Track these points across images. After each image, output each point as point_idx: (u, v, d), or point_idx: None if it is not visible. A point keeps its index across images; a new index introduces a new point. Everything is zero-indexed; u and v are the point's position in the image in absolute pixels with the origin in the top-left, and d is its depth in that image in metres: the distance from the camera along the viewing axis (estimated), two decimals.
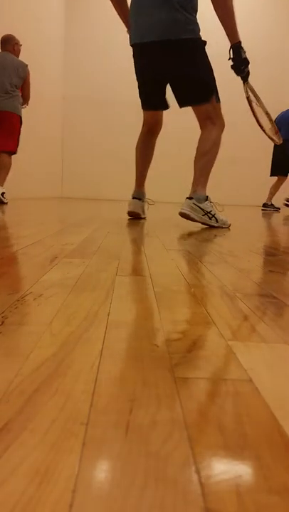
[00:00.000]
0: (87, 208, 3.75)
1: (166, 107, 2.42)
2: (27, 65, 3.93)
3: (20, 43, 3.97)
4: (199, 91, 2.26)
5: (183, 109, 2.34)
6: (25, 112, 5.18)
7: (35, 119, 5.55)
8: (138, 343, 0.46)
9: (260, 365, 0.41)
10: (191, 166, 2.24)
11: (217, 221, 2.09)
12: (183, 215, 2.08)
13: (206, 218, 2.07)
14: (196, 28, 2.17)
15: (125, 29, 2.37)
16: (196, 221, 2.07)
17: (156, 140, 2.54)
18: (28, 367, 0.38)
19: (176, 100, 2.32)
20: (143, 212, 2.46)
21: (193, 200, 2.08)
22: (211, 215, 2.08)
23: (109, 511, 0.22)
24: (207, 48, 2.24)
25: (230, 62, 2.28)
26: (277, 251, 1.32)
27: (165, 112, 2.48)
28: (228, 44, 2.24)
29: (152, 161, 2.48)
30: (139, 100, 2.41)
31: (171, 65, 2.20)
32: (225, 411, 0.32)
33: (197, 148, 2.28)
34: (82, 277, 0.78)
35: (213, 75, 2.29)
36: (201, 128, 2.31)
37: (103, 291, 0.69)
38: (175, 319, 0.55)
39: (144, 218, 2.46)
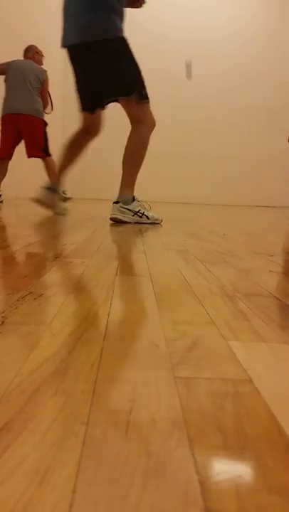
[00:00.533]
0: (87, 208, 3.75)
1: (95, 108, 2.42)
2: (46, 71, 3.97)
3: (42, 54, 4.03)
4: (118, 86, 2.26)
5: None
6: None
7: None
8: (138, 343, 0.46)
9: (260, 365, 0.41)
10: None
11: (148, 218, 2.20)
12: (114, 219, 2.19)
13: (136, 218, 2.18)
14: (112, 27, 2.16)
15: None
16: (128, 223, 2.16)
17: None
18: (28, 367, 0.38)
19: (100, 99, 2.34)
20: (54, 204, 2.56)
21: (120, 204, 2.20)
22: (140, 214, 2.19)
23: (109, 511, 0.22)
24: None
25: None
26: (277, 251, 1.32)
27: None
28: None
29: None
30: None
31: (91, 66, 2.25)
32: (225, 411, 0.32)
33: (125, 149, 2.33)
34: (83, 277, 0.78)
35: (136, 72, 2.26)
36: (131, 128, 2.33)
37: (103, 291, 0.69)
38: (175, 319, 0.55)
39: (59, 213, 2.57)
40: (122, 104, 2.30)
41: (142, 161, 2.32)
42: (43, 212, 2.60)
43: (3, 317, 0.53)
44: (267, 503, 0.23)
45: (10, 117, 3.76)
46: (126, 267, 0.91)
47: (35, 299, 0.62)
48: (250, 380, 0.37)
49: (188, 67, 3.43)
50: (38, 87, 3.88)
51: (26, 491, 0.23)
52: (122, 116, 2.32)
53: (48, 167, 3.88)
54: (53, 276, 0.79)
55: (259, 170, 7.12)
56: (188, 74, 3.25)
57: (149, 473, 0.24)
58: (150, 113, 2.27)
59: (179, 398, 0.34)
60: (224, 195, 7.12)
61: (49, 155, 3.90)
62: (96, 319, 0.54)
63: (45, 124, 3.98)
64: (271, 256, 1.18)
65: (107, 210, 2.37)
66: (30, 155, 3.92)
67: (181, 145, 6.92)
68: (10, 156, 3.88)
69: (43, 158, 3.95)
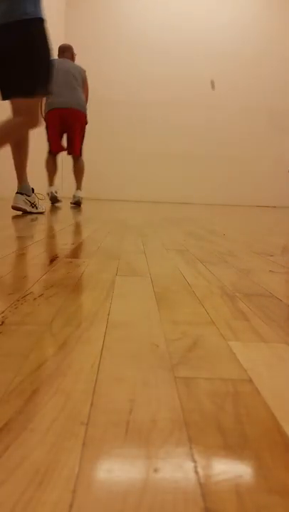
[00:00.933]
0: (87, 208, 3.75)
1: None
2: (85, 71, 4.04)
3: (76, 52, 4.08)
4: (27, 81, 2.10)
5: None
6: None
7: None
8: (138, 343, 0.46)
9: (260, 365, 0.41)
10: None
11: (37, 208, 2.48)
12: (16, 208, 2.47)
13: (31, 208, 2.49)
14: (31, 7, 2.00)
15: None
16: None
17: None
18: (28, 367, 0.38)
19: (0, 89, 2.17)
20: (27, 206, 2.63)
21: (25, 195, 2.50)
22: (34, 205, 2.50)
23: (109, 511, 0.22)
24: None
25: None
26: (277, 251, 1.32)
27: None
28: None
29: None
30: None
31: (3, 50, 2.06)
32: (225, 411, 0.32)
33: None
34: (83, 277, 0.79)
35: (48, 61, 2.11)
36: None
37: (103, 291, 0.69)
38: (175, 319, 0.55)
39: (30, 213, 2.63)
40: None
41: (22, 151, 2.52)
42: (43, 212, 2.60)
43: (3, 317, 0.53)
44: (267, 503, 0.23)
45: (57, 112, 3.81)
46: (126, 267, 0.91)
47: (35, 299, 0.62)
48: (250, 380, 0.37)
49: (212, 83, 3.79)
50: (81, 85, 3.95)
51: (26, 491, 0.23)
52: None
53: (80, 168, 3.94)
54: (53, 276, 0.79)
55: (259, 170, 7.12)
56: (213, 87, 3.52)
57: (149, 473, 0.24)
58: (37, 110, 2.21)
59: (179, 398, 0.34)
60: (224, 195, 7.12)
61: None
62: (96, 319, 0.54)
63: (86, 121, 4.02)
64: (271, 256, 1.18)
65: (107, 210, 2.38)
66: (72, 151, 3.94)
67: (181, 145, 6.92)
68: (60, 151, 3.95)
69: (78, 156, 3.99)
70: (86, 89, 4.06)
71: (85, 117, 4.01)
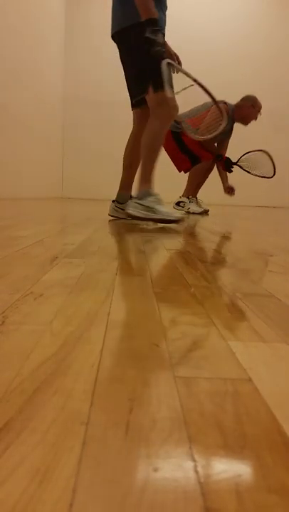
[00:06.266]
0: (87, 208, 3.75)
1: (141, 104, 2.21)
2: None
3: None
4: (139, 82, 2.15)
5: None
6: (26, 113, 5.19)
7: (35, 119, 5.55)
8: (138, 343, 0.46)
9: (260, 365, 0.41)
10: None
11: (162, 214, 2.04)
12: (127, 215, 2.09)
13: (146, 212, 2.03)
14: (134, 12, 1.99)
15: None
16: (140, 218, 2.05)
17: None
18: (28, 366, 0.38)
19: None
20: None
21: (135, 199, 2.08)
22: (151, 208, 2.03)
23: (109, 511, 0.22)
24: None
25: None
26: (277, 251, 1.32)
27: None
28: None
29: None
30: None
31: (123, 56, 2.19)
32: (225, 411, 0.32)
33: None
34: (83, 277, 0.79)
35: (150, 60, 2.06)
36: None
37: (103, 291, 0.69)
38: (175, 319, 0.55)
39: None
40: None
41: (155, 154, 2.14)
42: (43, 212, 2.60)
43: (3, 317, 0.53)
44: (266, 503, 0.23)
45: None
46: (126, 267, 0.91)
47: (35, 298, 0.62)
48: (250, 380, 0.37)
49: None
50: None
51: (26, 490, 0.23)
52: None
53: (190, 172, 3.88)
54: (53, 276, 0.79)
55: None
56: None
57: (149, 473, 0.25)
58: (166, 103, 2.08)
59: (179, 398, 0.34)
60: (224, 195, 7.12)
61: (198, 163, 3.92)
62: (96, 319, 0.54)
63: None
64: (271, 256, 1.18)
65: (107, 211, 2.37)
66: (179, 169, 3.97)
67: None
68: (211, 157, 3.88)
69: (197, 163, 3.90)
70: None
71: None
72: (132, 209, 2.06)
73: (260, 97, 4.06)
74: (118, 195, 2.39)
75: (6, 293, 0.65)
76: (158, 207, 2.03)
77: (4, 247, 1.13)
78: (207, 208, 3.93)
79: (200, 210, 3.81)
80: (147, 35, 1.96)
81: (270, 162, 3.75)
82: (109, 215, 2.38)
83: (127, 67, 2.26)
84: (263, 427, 0.30)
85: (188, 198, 3.95)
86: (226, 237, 1.70)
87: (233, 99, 4.07)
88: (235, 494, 0.23)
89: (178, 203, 4.01)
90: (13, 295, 0.64)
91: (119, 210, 2.32)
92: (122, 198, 2.35)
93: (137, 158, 2.27)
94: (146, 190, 2.07)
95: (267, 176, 3.71)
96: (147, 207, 2.04)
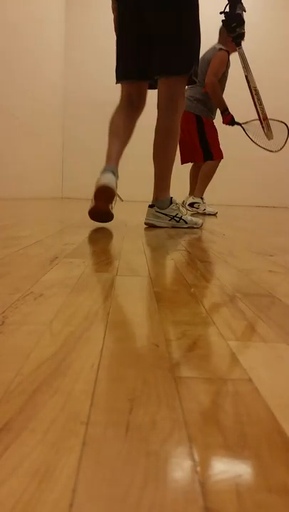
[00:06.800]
0: (88, 208, 3.75)
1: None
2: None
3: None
4: (182, 57, 1.74)
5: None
6: (26, 113, 5.19)
7: (35, 119, 5.55)
8: (138, 343, 0.46)
9: (260, 365, 0.41)
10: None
11: (186, 222, 1.99)
12: (149, 224, 1.99)
13: (173, 222, 1.97)
14: None
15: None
16: (164, 227, 1.98)
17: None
18: (28, 367, 0.38)
19: (153, 66, 1.84)
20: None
21: (155, 208, 1.99)
22: (178, 218, 1.98)
23: (109, 511, 0.22)
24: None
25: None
26: (277, 251, 1.32)
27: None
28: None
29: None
30: None
31: (162, 13, 1.75)
32: (225, 411, 0.32)
33: (154, 141, 1.95)
34: (83, 277, 0.79)
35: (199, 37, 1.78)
36: (159, 111, 1.89)
37: (103, 291, 0.69)
38: (175, 319, 0.55)
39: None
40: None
41: (173, 156, 1.95)
42: (43, 212, 2.60)
43: (3, 317, 0.53)
44: (267, 503, 0.23)
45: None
46: (126, 267, 0.91)
47: (35, 298, 0.62)
48: (250, 380, 0.37)
49: None
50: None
51: (26, 490, 0.23)
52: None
53: (200, 172, 3.73)
54: (53, 276, 0.79)
55: (259, 170, 7.12)
56: None
57: (149, 473, 0.25)
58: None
59: (179, 398, 0.34)
60: (224, 195, 7.12)
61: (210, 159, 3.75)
62: (96, 319, 0.54)
63: (201, 121, 3.72)
64: (271, 256, 1.18)
65: None
66: (188, 161, 3.81)
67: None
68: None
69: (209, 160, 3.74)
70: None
71: (191, 116, 3.55)
72: (157, 220, 1.97)
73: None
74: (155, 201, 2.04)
75: (5, 293, 0.65)
76: (183, 217, 1.99)
77: (4, 247, 1.13)
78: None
79: (215, 211, 3.71)
80: (239, 11, 1.73)
81: (283, 136, 3.30)
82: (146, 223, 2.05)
83: (163, 27, 1.74)
84: (263, 427, 0.30)
85: (201, 198, 3.83)
86: (225, 237, 1.70)
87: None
88: (235, 494, 0.23)
89: (191, 204, 3.80)
90: (13, 295, 0.64)
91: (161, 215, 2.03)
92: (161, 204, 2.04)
93: (129, 135, 2.02)
94: (167, 199, 1.99)
95: (270, 148, 3.37)
96: (174, 217, 1.97)
